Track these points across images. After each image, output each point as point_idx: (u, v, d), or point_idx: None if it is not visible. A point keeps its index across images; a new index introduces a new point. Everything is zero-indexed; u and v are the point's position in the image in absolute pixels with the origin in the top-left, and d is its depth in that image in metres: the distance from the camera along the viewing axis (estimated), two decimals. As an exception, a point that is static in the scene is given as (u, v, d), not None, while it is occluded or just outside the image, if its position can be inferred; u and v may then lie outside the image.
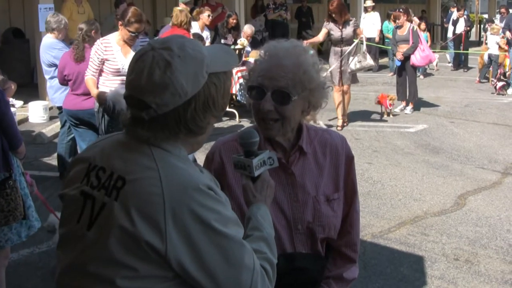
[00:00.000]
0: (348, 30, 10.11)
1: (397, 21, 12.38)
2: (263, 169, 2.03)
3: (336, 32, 10.14)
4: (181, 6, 10.29)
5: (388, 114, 11.62)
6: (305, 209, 2.27)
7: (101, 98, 6.12)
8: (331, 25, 10.14)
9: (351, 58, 10.11)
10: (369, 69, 10.61)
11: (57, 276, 1.80)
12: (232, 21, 12.18)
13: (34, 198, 4.65)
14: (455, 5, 22.40)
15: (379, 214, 6.45)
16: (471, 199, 6.94)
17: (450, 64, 19.99)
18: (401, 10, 12.47)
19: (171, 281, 1.67)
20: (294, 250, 2.25)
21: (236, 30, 12.26)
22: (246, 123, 10.48)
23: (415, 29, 12.02)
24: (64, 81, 6.87)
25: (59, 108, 7.48)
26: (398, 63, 12.08)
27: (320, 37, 10.49)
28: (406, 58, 11.85)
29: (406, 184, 7.49)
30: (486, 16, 27.42)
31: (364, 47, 10.36)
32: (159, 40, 1.77)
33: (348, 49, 10.11)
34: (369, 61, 10.12)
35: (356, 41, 10.27)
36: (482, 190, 7.31)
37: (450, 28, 19.77)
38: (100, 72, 6.23)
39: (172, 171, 1.68)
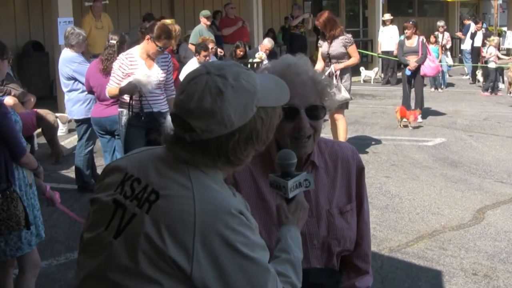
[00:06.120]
0: (335, 46, 8.98)
1: (405, 31, 12.62)
2: (298, 191, 2.04)
3: (324, 48, 9.14)
4: (170, 20, 10.29)
5: (406, 126, 11.64)
6: (319, 223, 2.27)
7: (130, 88, 6.06)
8: (321, 41, 9.32)
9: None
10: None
11: (78, 283, 1.79)
12: (240, 52, 12.38)
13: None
14: (469, 17, 22.33)
15: (397, 228, 6.41)
16: (489, 213, 6.87)
17: (468, 77, 19.91)
18: (411, 22, 12.80)
19: None
20: (309, 265, 2.25)
21: (243, 60, 12.35)
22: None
23: (424, 41, 12.46)
24: (91, 91, 6.95)
25: (77, 121, 7.54)
26: (408, 73, 12.34)
27: (321, 58, 9.33)
28: (416, 68, 12.21)
29: (424, 198, 7.44)
30: (505, 28, 27.26)
31: (337, 80, 8.95)
32: (214, 64, 1.77)
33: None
34: (344, 94, 8.82)
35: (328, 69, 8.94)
36: (501, 204, 7.23)
37: (468, 41, 19.70)
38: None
39: (206, 193, 1.69)
